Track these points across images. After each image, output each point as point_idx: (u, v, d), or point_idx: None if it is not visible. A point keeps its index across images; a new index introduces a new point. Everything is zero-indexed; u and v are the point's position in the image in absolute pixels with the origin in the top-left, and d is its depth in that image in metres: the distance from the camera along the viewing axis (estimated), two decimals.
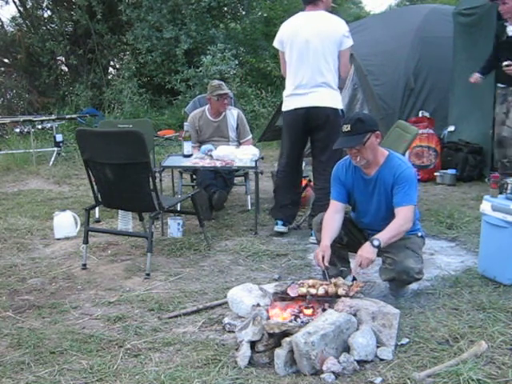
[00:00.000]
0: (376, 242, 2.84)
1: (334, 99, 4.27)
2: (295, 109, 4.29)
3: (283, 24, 4.45)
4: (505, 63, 4.78)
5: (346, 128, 2.99)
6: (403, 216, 2.94)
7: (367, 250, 2.85)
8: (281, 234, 4.51)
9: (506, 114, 5.07)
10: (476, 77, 5.24)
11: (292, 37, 4.28)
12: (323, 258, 2.92)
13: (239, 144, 5.28)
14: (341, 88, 7.07)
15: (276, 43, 4.45)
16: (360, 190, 3.17)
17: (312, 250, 4.01)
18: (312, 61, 4.19)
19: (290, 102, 4.35)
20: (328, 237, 3.03)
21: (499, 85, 5.15)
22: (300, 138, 4.41)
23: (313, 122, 4.24)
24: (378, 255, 2.91)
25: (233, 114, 5.33)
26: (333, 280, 2.82)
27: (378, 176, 3.08)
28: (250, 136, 5.45)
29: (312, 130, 4.30)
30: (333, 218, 3.12)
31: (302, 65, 4.24)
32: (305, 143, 4.47)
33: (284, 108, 4.44)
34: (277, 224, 4.55)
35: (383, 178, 3.06)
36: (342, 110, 4.37)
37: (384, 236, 2.88)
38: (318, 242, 3.25)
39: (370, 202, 3.15)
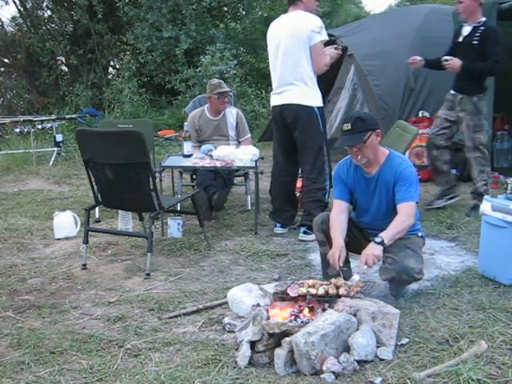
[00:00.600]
0: (378, 239, 2.85)
1: (306, 97, 4.26)
2: (273, 107, 4.49)
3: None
4: (444, 57, 4.54)
5: (347, 127, 3.00)
6: (405, 212, 2.96)
7: (371, 248, 2.85)
8: (281, 234, 4.53)
9: (454, 123, 4.78)
10: (415, 57, 4.83)
11: (270, 38, 4.46)
12: (339, 257, 2.91)
13: (239, 143, 5.29)
14: (341, 88, 7.15)
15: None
16: (361, 189, 3.17)
17: (312, 250, 4.02)
18: (282, 60, 4.29)
19: (271, 100, 4.55)
20: (341, 236, 3.02)
21: (451, 91, 4.81)
22: (282, 135, 4.48)
23: (286, 119, 4.34)
24: None
25: (232, 113, 5.34)
26: (333, 280, 2.82)
27: (380, 175, 3.08)
28: (249, 135, 5.46)
29: (291, 129, 4.37)
30: (338, 219, 3.11)
31: (276, 65, 4.38)
32: (290, 142, 4.44)
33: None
34: (276, 226, 4.60)
35: (384, 176, 3.06)
36: (319, 107, 4.30)
37: (387, 233, 2.88)
38: (319, 241, 3.26)
39: (371, 201, 3.15)
